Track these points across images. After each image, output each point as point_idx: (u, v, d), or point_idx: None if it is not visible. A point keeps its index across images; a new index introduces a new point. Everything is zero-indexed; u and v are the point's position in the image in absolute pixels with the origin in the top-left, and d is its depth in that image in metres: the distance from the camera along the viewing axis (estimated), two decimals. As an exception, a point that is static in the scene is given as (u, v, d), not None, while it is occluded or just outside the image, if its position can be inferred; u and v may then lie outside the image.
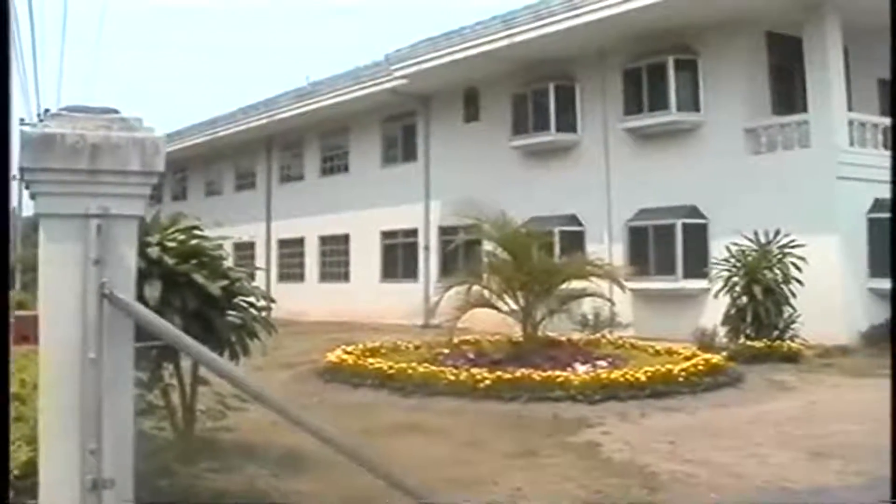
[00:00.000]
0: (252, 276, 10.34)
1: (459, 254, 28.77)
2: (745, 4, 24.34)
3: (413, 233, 36.17)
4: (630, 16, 25.47)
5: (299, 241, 42.54)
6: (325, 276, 41.12)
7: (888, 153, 24.20)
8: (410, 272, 36.01)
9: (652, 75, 26.98)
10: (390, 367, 16.15)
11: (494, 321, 19.38)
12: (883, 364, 18.87)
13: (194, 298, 7.92)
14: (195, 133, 46.06)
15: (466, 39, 30.32)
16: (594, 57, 28.78)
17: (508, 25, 28.68)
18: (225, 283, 8.40)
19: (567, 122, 29.86)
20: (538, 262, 18.74)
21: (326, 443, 4.60)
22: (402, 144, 37.72)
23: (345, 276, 39.79)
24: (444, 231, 33.58)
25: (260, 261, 41.95)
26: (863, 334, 22.73)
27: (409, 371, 15.80)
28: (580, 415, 13.36)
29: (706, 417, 13.57)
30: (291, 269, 42.28)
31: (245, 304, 9.11)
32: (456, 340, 18.99)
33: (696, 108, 26.56)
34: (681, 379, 15.56)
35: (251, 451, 9.40)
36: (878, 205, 23.68)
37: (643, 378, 15.16)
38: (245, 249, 42.62)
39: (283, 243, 43.89)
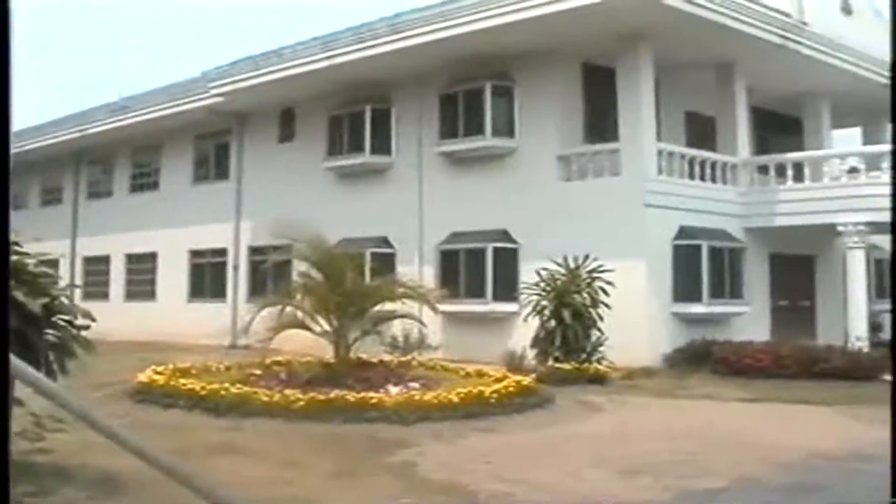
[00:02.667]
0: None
1: (269, 274, 28.62)
2: (561, 35, 24.79)
3: (222, 252, 35.76)
4: (449, 42, 25.77)
5: (105, 259, 41.62)
6: (131, 295, 40.31)
7: (693, 182, 25.20)
8: (219, 292, 35.60)
9: (468, 100, 27.24)
10: (202, 388, 15.97)
11: (305, 342, 19.35)
12: (683, 385, 19.83)
13: (13, 316, 7.74)
14: None
15: (285, 59, 30.11)
16: (412, 81, 28.96)
17: (328, 47, 28.59)
18: (45, 300, 8.25)
19: (382, 145, 29.88)
20: (352, 283, 18.78)
21: (151, 464, 4.58)
22: (214, 163, 37.27)
23: (151, 295, 39.10)
24: (255, 251, 33.34)
25: (64, 278, 40.79)
26: (665, 357, 23.46)
27: (222, 392, 15.65)
28: (396, 436, 13.42)
29: (520, 438, 13.84)
30: (96, 287, 41.17)
31: (64, 323, 8.95)
32: (267, 361, 18.97)
33: (511, 135, 26.85)
34: (493, 400, 15.86)
35: (68, 474, 9.24)
36: (683, 232, 24.54)
37: (456, 399, 15.42)
38: (48, 267, 41.41)
39: (88, 261, 42.84)
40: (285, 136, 33.99)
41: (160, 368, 18.34)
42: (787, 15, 26.77)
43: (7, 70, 4.33)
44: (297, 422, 14.27)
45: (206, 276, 36.80)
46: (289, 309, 18.78)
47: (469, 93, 27.24)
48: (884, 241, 29.17)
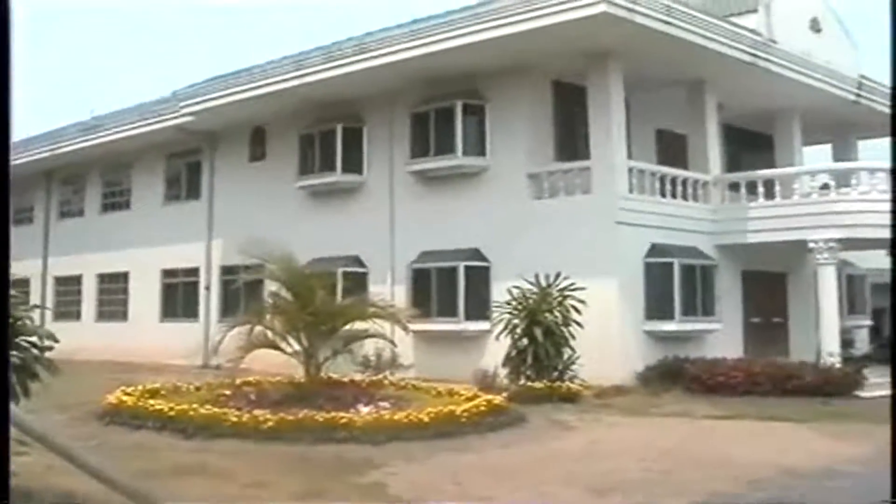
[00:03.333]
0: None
1: (241, 294, 28.51)
2: (531, 53, 24.92)
3: (194, 272, 35.63)
4: (419, 60, 25.79)
5: (76, 279, 41.39)
6: (102, 315, 40.11)
7: (665, 200, 25.21)
8: (191, 312, 35.45)
9: (440, 119, 27.18)
10: (171, 409, 15.84)
11: (276, 362, 19.24)
12: (655, 403, 19.82)
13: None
14: (-32, 166, 44.17)
15: (256, 78, 30.04)
16: (383, 99, 28.91)
17: (300, 66, 28.57)
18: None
19: (353, 164, 29.79)
20: (322, 302, 18.71)
21: (109, 485, 4.53)
22: (185, 182, 37.16)
23: (123, 315, 38.89)
24: (227, 270, 33.21)
25: (35, 298, 40.57)
26: (638, 375, 23.42)
27: (191, 412, 15.54)
28: (365, 456, 13.34)
29: (491, 457, 13.79)
30: (68, 307, 40.96)
31: (27, 344, 8.86)
32: (237, 382, 18.88)
33: (482, 153, 26.85)
34: (464, 419, 15.81)
35: (32, 495, 9.15)
36: (654, 249, 24.57)
37: (427, 419, 15.35)
38: (19, 287, 41.21)
39: (59, 280, 42.61)
40: (256, 156, 33.90)
41: (129, 389, 18.20)
42: (757, 33, 26.92)
43: (7, 70, 4.30)
44: (266, 442, 14.18)
45: (178, 296, 36.67)
46: (259, 328, 18.68)
47: (440, 111, 27.19)
48: (854, 257, 29.39)
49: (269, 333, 18.53)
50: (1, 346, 4.38)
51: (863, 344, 31.64)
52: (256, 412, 15.39)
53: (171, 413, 15.66)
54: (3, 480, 4.33)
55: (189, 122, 33.46)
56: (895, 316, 17.22)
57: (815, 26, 30.20)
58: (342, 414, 15.31)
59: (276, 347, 18.48)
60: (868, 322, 32.16)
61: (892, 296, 22.50)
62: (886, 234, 25.15)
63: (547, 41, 23.94)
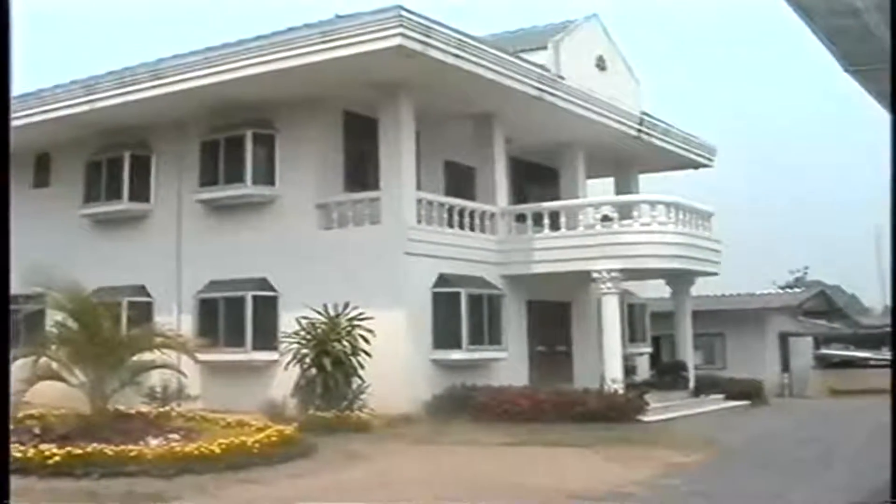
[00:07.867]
0: None
1: (22, 324, 27.66)
2: (321, 84, 25.00)
3: (-30, 301, 34.37)
4: (210, 89, 25.53)
5: None
6: None
7: (453, 231, 25.57)
8: (-35, 343, 34.17)
9: (229, 148, 27.03)
10: (-52, 445, 15.29)
11: (60, 395, 18.64)
12: (444, 431, 20.06)
13: None
14: None
15: (44, 102, 29.05)
16: (173, 127, 28.57)
17: (88, 91, 27.92)
18: None
19: (141, 192, 29.35)
20: (110, 333, 18.37)
21: None
22: (-40, 209, 35.86)
23: None
24: (6, 300, 32.17)
25: None
26: (426, 404, 23.67)
27: (-30, 448, 15.03)
28: (157, 490, 13.15)
29: (284, 488, 13.76)
30: None
31: None
32: (20, 415, 18.32)
33: (272, 182, 26.77)
34: (255, 451, 15.77)
35: None
36: (442, 280, 24.87)
37: (218, 450, 15.23)
38: None
39: None
40: (40, 182, 32.85)
41: None
42: (546, 69, 27.56)
43: (7, 70, 4.24)
44: (52, 478, 13.77)
45: (-48, 327, 35.28)
46: (44, 360, 18.19)
47: (230, 140, 27.02)
48: (635, 286, 30.36)
49: (55, 365, 18.08)
50: (1, 346, 4.30)
51: (644, 371, 32.67)
52: (42, 447, 14.86)
53: (-53, 450, 15.08)
54: (3, 480, 4.26)
55: (-36, 147, 32.18)
56: None
57: (601, 64, 31.13)
58: (132, 447, 15.03)
59: (62, 379, 18.01)
60: (648, 349, 33.21)
61: (892, 300, 23.74)
62: (666, 264, 26.20)
63: (340, 72, 24.00)
